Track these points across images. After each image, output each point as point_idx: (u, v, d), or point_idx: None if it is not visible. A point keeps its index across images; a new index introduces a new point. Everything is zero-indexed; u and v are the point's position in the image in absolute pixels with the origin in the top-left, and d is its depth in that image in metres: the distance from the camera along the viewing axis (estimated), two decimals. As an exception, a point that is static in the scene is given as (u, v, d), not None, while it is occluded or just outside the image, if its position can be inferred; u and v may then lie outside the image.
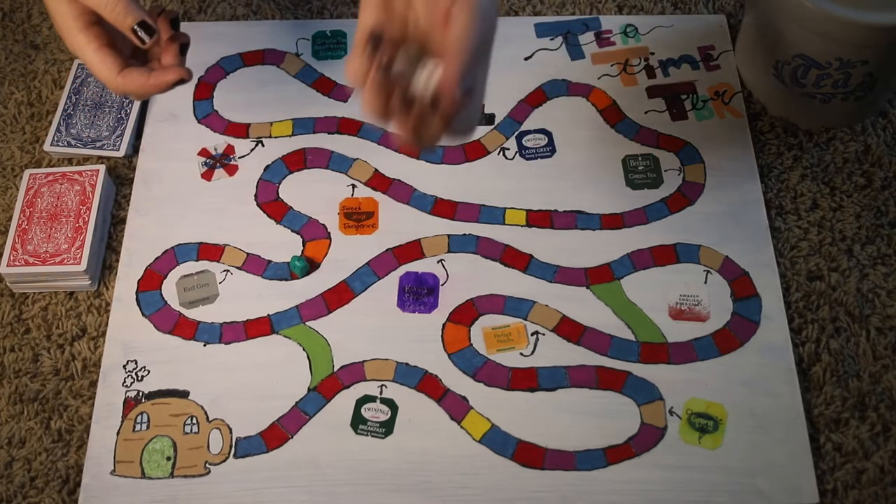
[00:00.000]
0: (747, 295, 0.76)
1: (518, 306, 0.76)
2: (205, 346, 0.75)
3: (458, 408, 0.72)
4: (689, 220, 0.80)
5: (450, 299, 0.76)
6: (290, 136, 0.85)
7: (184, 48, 0.69)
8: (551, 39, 0.90)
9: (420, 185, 0.82)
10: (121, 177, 0.84)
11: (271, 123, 0.86)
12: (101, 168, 0.81)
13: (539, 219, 0.80)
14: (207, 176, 0.83)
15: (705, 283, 0.77)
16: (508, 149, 0.84)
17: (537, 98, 0.87)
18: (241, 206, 0.82)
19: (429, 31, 0.55)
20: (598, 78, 0.88)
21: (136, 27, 0.64)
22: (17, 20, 0.93)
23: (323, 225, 0.80)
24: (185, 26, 0.91)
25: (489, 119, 0.85)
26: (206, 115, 0.87)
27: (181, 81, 0.67)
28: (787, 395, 0.72)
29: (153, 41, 0.65)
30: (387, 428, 0.71)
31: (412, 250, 0.79)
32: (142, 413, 0.72)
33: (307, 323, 0.76)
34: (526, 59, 0.89)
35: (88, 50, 0.66)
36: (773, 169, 0.82)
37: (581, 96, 0.87)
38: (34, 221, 0.78)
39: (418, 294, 0.77)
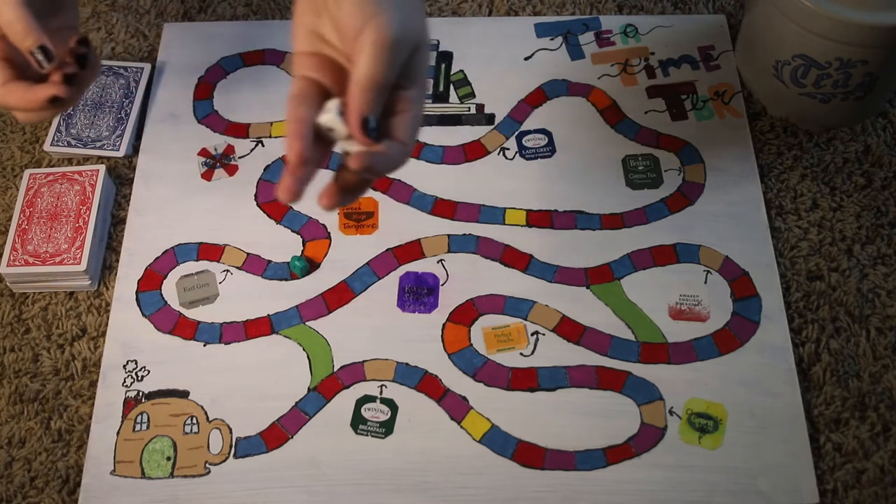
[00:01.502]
0: (747, 295, 0.76)
1: (518, 306, 0.76)
2: (205, 346, 0.75)
3: (458, 408, 0.72)
4: (689, 220, 0.80)
5: (450, 299, 0.76)
6: (290, 136, 0.85)
7: (68, 78, 0.63)
8: (551, 39, 0.90)
9: (420, 185, 0.82)
10: (121, 177, 0.84)
11: (271, 123, 0.86)
12: (101, 168, 0.81)
13: (539, 219, 0.80)
14: (207, 176, 0.83)
15: (705, 283, 0.77)
16: (508, 149, 0.84)
17: (537, 98, 0.87)
18: (241, 206, 0.82)
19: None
20: (598, 78, 0.88)
21: (35, 50, 0.61)
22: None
23: (323, 225, 0.80)
24: (185, 26, 0.91)
25: (489, 119, 0.85)
26: (206, 115, 0.87)
27: (56, 99, 0.62)
28: (787, 395, 0.72)
29: (52, 67, 0.61)
30: (387, 428, 0.71)
31: (412, 250, 0.79)
32: (142, 413, 0.72)
33: (307, 323, 0.76)
34: (526, 59, 0.89)
35: None
36: (773, 169, 0.82)
37: (581, 96, 0.87)
38: (34, 221, 0.78)
39: (418, 294, 0.77)
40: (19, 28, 0.60)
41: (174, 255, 0.79)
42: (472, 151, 0.84)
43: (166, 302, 0.77)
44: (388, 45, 0.51)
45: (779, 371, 0.72)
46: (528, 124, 0.85)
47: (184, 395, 0.73)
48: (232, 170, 0.83)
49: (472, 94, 0.87)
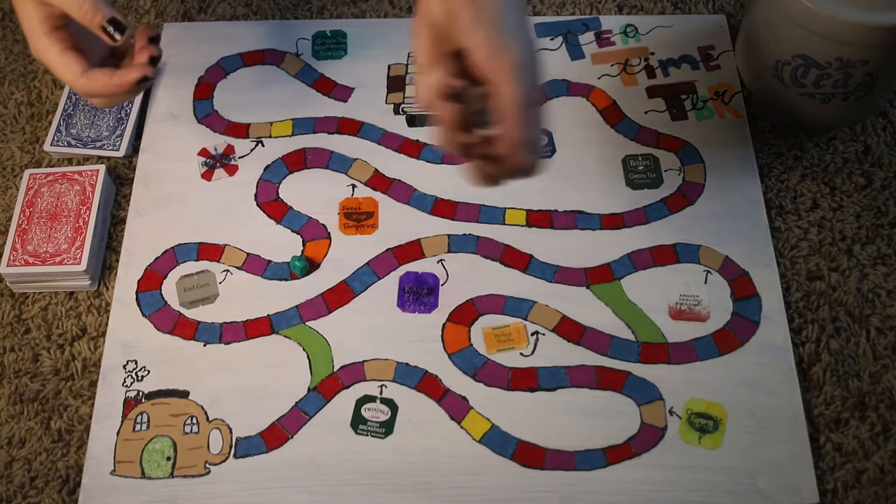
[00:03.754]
0: (747, 295, 0.76)
1: (518, 306, 0.76)
2: (205, 346, 0.75)
3: (458, 408, 0.72)
4: (689, 220, 0.80)
5: (450, 299, 0.76)
6: (290, 136, 0.85)
7: (154, 60, 0.68)
8: (551, 39, 0.90)
9: (420, 185, 0.82)
10: (121, 177, 0.84)
11: (271, 123, 0.86)
12: (101, 168, 0.81)
13: (539, 219, 0.80)
14: (207, 176, 0.83)
15: (705, 283, 0.77)
16: (508, 149, 0.84)
17: (537, 98, 0.87)
18: (241, 206, 0.82)
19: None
20: (598, 78, 0.88)
21: (105, 24, 0.64)
22: (17, 20, 0.93)
23: (323, 225, 0.80)
24: (184, 26, 0.92)
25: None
26: (206, 115, 0.87)
27: (145, 80, 0.66)
28: (787, 395, 0.72)
29: (125, 38, 0.64)
30: (387, 428, 0.71)
31: (412, 250, 0.79)
32: (142, 413, 0.72)
33: (307, 323, 0.76)
34: (526, 59, 0.89)
35: (52, 52, 0.65)
36: (773, 169, 0.82)
37: (581, 96, 0.87)
38: (34, 221, 0.78)
39: (418, 294, 0.77)
40: (87, 7, 0.63)
41: (174, 255, 0.79)
42: (472, 151, 0.84)
43: (166, 302, 0.77)
44: (525, 71, 0.55)
45: (779, 371, 0.73)
46: (528, 124, 0.85)
47: (184, 395, 0.73)
48: (232, 170, 0.83)
49: (472, 94, 0.87)
